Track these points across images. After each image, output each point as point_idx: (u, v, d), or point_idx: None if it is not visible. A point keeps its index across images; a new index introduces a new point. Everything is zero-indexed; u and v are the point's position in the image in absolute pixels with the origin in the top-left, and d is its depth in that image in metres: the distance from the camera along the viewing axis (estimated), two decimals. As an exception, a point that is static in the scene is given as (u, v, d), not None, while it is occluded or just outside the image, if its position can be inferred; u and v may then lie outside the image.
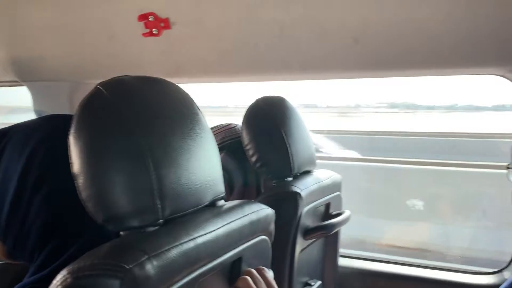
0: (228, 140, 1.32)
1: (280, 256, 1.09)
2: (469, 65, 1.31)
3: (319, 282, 1.31)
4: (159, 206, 0.61)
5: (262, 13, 1.43)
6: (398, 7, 1.28)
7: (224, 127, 1.37)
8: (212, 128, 1.39)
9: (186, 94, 0.76)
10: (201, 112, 0.77)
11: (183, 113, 0.71)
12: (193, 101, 0.76)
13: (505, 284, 0.97)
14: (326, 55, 1.43)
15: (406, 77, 1.48)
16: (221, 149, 1.30)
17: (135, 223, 0.60)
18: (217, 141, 1.34)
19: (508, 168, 0.91)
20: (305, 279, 1.28)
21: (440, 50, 1.30)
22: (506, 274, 1.46)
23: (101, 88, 0.63)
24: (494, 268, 1.53)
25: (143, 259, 0.53)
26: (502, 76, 1.34)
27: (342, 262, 1.58)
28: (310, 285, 1.27)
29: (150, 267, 0.53)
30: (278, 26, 1.42)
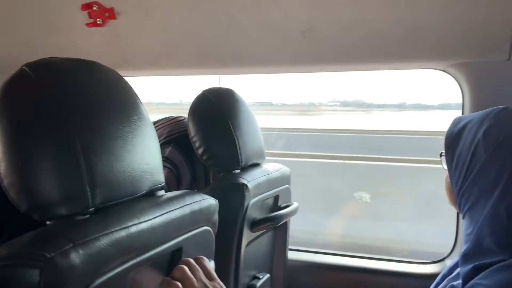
0: (175, 133, 1.29)
1: (226, 248, 1.08)
2: (412, 59, 1.35)
3: (267, 275, 1.31)
4: (89, 193, 0.57)
5: (210, 3, 1.41)
6: (344, 3, 1.31)
7: (171, 119, 1.33)
8: (159, 121, 1.36)
9: (124, 80, 0.73)
10: (139, 100, 0.74)
11: (118, 98, 0.68)
12: (131, 87, 0.73)
13: (446, 269, 1.01)
14: (275, 48, 1.43)
15: (352, 71, 1.51)
16: (168, 142, 1.27)
17: (62, 211, 0.56)
18: (164, 134, 1.31)
19: (441, 155, 0.94)
20: (253, 272, 1.27)
21: (384, 45, 1.33)
22: (447, 262, 1.52)
23: (26, 68, 0.59)
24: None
25: (68, 247, 0.50)
26: (443, 70, 1.39)
27: (291, 255, 1.59)
28: (259, 278, 1.26)
29: (75, 256, 0.50)
30: (226, 17, 1.41)
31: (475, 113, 0.88)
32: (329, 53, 1.39)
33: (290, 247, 1.55)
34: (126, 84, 0.72)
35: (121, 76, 0.73)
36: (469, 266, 0.81)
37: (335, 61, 1.40)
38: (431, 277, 1.48)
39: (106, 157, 0.60)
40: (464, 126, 0.86)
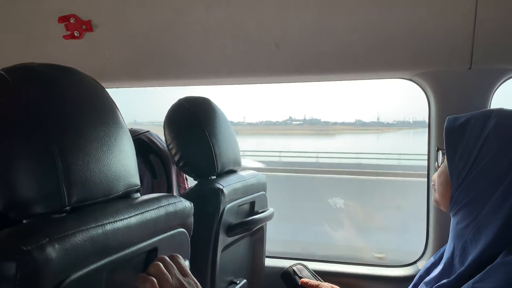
0: None
1: (203, 252, 1.09)
2: (380, 69, 1.41)
3: (244, 281, 1.33)
4: (65, 192, 0.59)
5: (186, 16, 1.45)
6: (315, 15, 1.36)
7: None
8: None
9: (99, 85, 0.75)
10: (115, 104, 0.77)
11: (95, 102, 0.71)
12: (107, 93, 0.76)
13: (422, 270, 1.05)
14: (249, 59, 1.47)
15: (323, 81, 1.56)
16: None
17: (39, 209, 0.58)
18: None
19: (437, 150, 1.01)
20: (230, 277, 1.29)
21: (353, 56, 1.39)
22: (420, 264, 1.57)
23: (3, 73, 0.61)
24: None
25: (44, 241, 0.51)
26: (410, 79, 1.46)
27: (269, 262, 1.62)
28: (235, 283, 1.28)
29: (52, 250, 0.52)
30: (202, 29, 1.45)
31: (472, 112, 0.94)
32: (301, 64, 1.44)
33: (268, 254, 1.58)
34: (102, 90, 0.75)
35: (97, 82, 0.75)
36: (467, 261, 0.85)
37: (307, 71, 1.46)
38: (405, 279, 1.54)
39: (82, 158, 0.62)
40: (467, 121, 0.91)
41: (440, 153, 1.00)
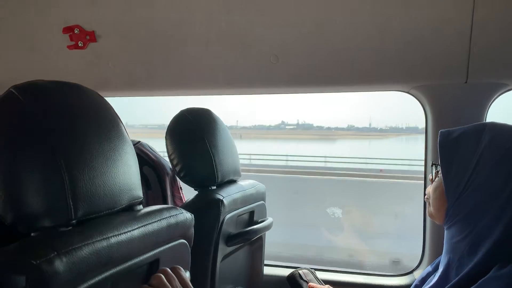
0: None
1: (202, 262, 1.11)
2: (378, 82, 1.44)
3: None
4: (71, 206, 0.62)
5: (187, 27, 1.48)
6: (314, 28, 1.39)
7: None
8: None
9: (104, 100, 0.78)
10: (119, 118, 0.79)
11: (99, 117, 0.73)
12: (111, 107, 0.78)
13: (417, 279, 1.07)
14: (249, 71, 1.50)
15: (321, 92, 1.59)
16: None
17: (46, 223, 0.60)
18: None
19: (432, 165, 1.02)
20: (229, 286, 1.30)
21: (352, 68, 1.42)
22: (416, 274, 1.59)
23: (14, 91, 0.63)
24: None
25: (52, 255, 0.54)
26: (407, 92, 1.49)
27: (267, 270, 1.63)
28: None
29: (59, 263, 0.54)
30: (203, 40, 1.48)
31: (464, 126, 0.95)
32: (299, 76, 1.47)
33: (266, 262, 1.60)
34: (107, 105, 0.78)
35: (102, 97, 0.78)
36: (463, 272, 0.86)
37: (305, 83, 1.48)
38: (401, 289, 1.56)
39: (88, 173, 0.65)
40: (460, 135, 0.92)
41: (433, 167, 1.01)
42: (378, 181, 8.21)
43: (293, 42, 1.43)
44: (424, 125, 1.48)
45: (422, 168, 1.54)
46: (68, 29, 1.56)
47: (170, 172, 1.46)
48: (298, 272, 1.43)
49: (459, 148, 0.91)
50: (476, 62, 1.31)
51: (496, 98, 1.37)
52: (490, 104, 1.36)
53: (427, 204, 1.02)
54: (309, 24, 1.40)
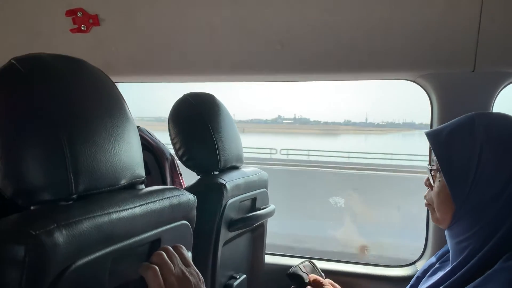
0: None
1: (204, 246, 1.11)
2: (384, 70, 1.42)
3: (244, 276, 1.34)
4: (72, 180, 0.61)
5: (192, 12, 1.46)
6: (319, 14, 1.37)
7: None
8: None
9: (107, 77, 0.76)
10: (123, 98, 0.78)
11: (102, 94, 0.72)
12: (115, 85, 0.77)
13: (419, 271, 1.06)
14: (254, 57, 1.48)
15: (326, 80, 1.57)
16: None
17: (46, 196, 0.59)
18: None
19: (431, 169, 0.96)
20: (230, 272, 1.30)
21: (358, 56, 1.40)
22: (418, 265, 1.58)
23: (15, 62, 0.62)
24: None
25: (52, 227, 0.53)
26: (413, 81, 1.47)
27: (269, 259, 1.63)
28: (236, 278, 1.29)
29: (59, 235, 0.53)
30: (208, 26, 1.46)
31: (444, 124, 0.91)
32: (305, 63, 1.45)
33: (268, 251, 1.59)
34: (110, 82, 0.76)
35: (106, 75, 0.76)
36: (473, 266, 0.83)
37: (311, 71, 1.47)
38: (404, 279, 1.55)
39: (90, 147, 0.64)
40: (450, 134, 0.88)
41: (433, 170, 0.95)
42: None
43: (298, 29, 1.41)
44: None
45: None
46: (71, 12, 1.54)
47: (169, 157, 1.45)
48: (299, 266, 1.42)
49: (454, 147, 0.87)
50: (484, 50, 1.29)
51: (504, 87, 1.35)
52: (498, 94, 1.34)
53: (430, 210, 0.97)
54: (315, 11, 1.38)
